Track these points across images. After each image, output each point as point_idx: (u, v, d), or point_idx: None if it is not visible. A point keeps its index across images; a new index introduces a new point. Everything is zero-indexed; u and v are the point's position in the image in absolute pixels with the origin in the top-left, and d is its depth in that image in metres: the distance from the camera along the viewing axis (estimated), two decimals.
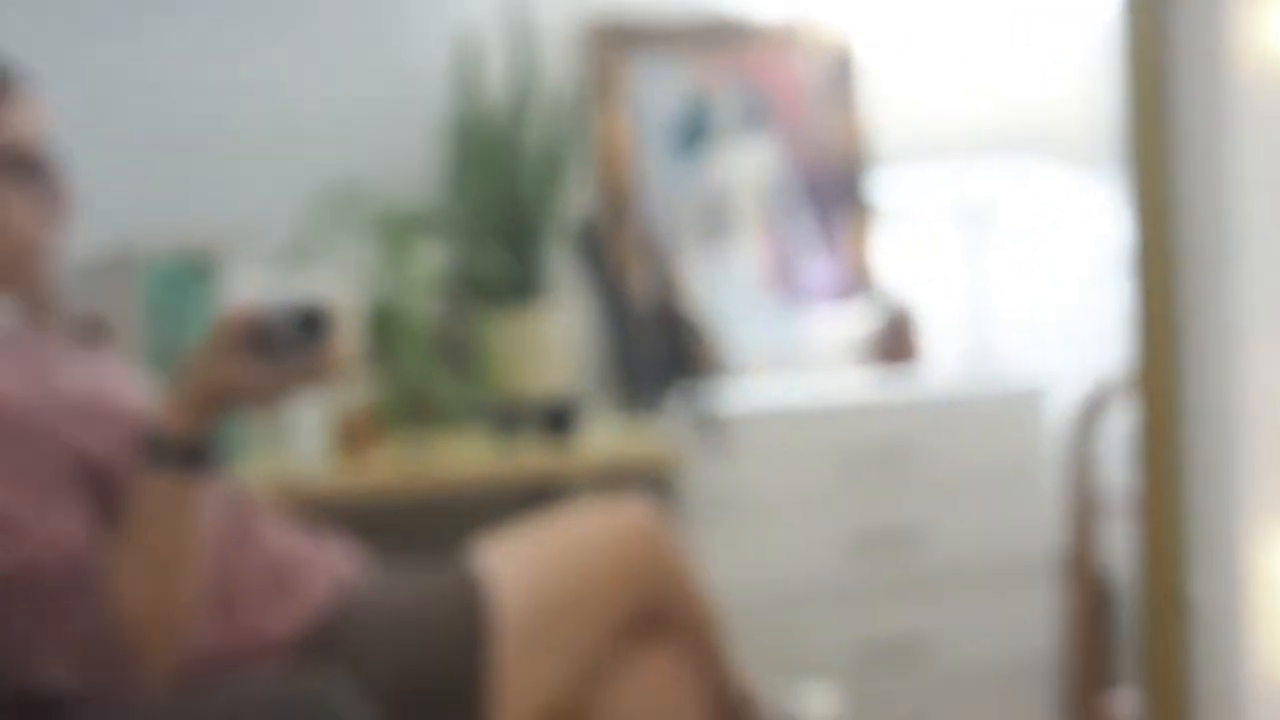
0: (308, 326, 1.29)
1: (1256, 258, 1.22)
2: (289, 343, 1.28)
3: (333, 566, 1.51)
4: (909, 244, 2.62)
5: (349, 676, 1.33)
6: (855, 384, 2.42)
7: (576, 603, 1.56)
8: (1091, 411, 2.41)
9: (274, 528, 1.50)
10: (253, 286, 1.32)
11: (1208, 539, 1.27)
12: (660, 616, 1.65)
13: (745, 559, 2.26)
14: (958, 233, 2.57)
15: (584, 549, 1.61)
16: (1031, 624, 2.41)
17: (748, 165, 2.56)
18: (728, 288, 2.53)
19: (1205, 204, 1.28)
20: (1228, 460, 1.25)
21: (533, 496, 2.29)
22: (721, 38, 2.54)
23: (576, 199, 2.41)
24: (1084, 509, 2.43)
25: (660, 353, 2.35)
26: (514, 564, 1.55)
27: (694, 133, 2.54)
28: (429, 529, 2.27)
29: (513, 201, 2.29)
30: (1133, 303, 1.31)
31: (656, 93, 2.52)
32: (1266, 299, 1.23)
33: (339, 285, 1.32)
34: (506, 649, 1.46)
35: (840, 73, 2.60)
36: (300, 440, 2.11)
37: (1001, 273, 2.58)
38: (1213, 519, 1.27)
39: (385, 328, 2.23)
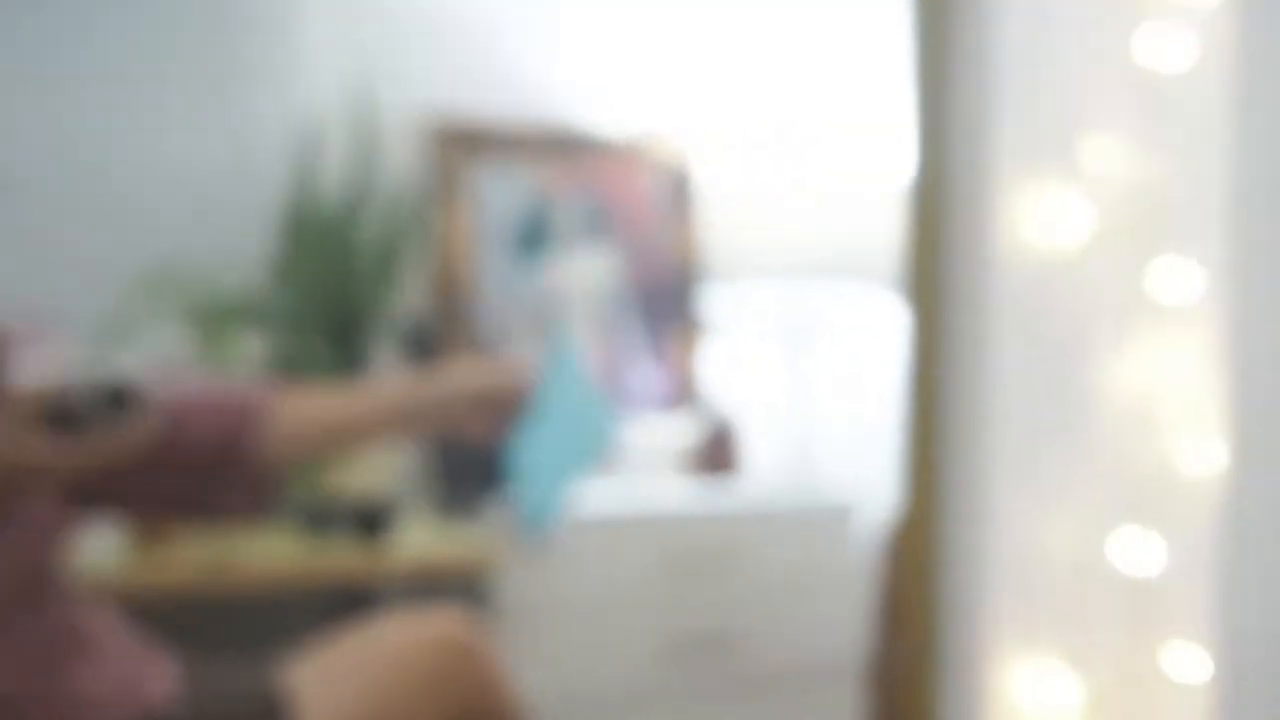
0: (116, 402, 1.25)
1: (1008, 397, 1.31)
2: (92, 418, 1.23)
3: (146, 686, 1.46)
4: (734, 358, 2.68)
5: None
6: (676, 493, 2.45)
7: (385, 716, 1.54)
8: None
9: (106, 635, 1.45)
10: (55, 364, 1.28)
11: (955, 658, 1.34)
12: None
13: (562, 665, 2.26)
14: (781, 350, 2.64)
15: (393, 665, 1.59)
16: None
17: (585, 273, 2.60)
18: None
19: (969, 361, 1.37)
20: (977, 590, 1.33)
21: (344, 598, 2.25)
22: (566, 148, 2.58)
23: (410, 296, 2.40)
24: (888, 621, 2.49)
25: (482, 454, 2.34)
26: (321, 682, 1.52)
27: (534, 237, 2.57)
28: (234, 629, 2.22)
29: (342, 295, 2.27)
30: (903, 442, 1.39)
31: (499, 196, 2.54)
32: (1017, 451, 1.32)
33: (148, 370, 1.29)
34: None
35: (678, 189, 2.66)
36: (91, 531, 2.03)
37: (822, 390, 2.66)
38: (961, 640, 1.34)
39: None
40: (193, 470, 1.43)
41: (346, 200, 2.33)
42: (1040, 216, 1.32)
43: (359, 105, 2.36)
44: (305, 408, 1.50)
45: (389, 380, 1.54)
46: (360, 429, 1.52)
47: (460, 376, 1.53)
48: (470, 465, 2.32)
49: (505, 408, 1.52)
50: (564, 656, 2.27)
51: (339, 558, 2.08)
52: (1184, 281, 1.32)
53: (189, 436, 1.43)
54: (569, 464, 1.50)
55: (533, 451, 1.39)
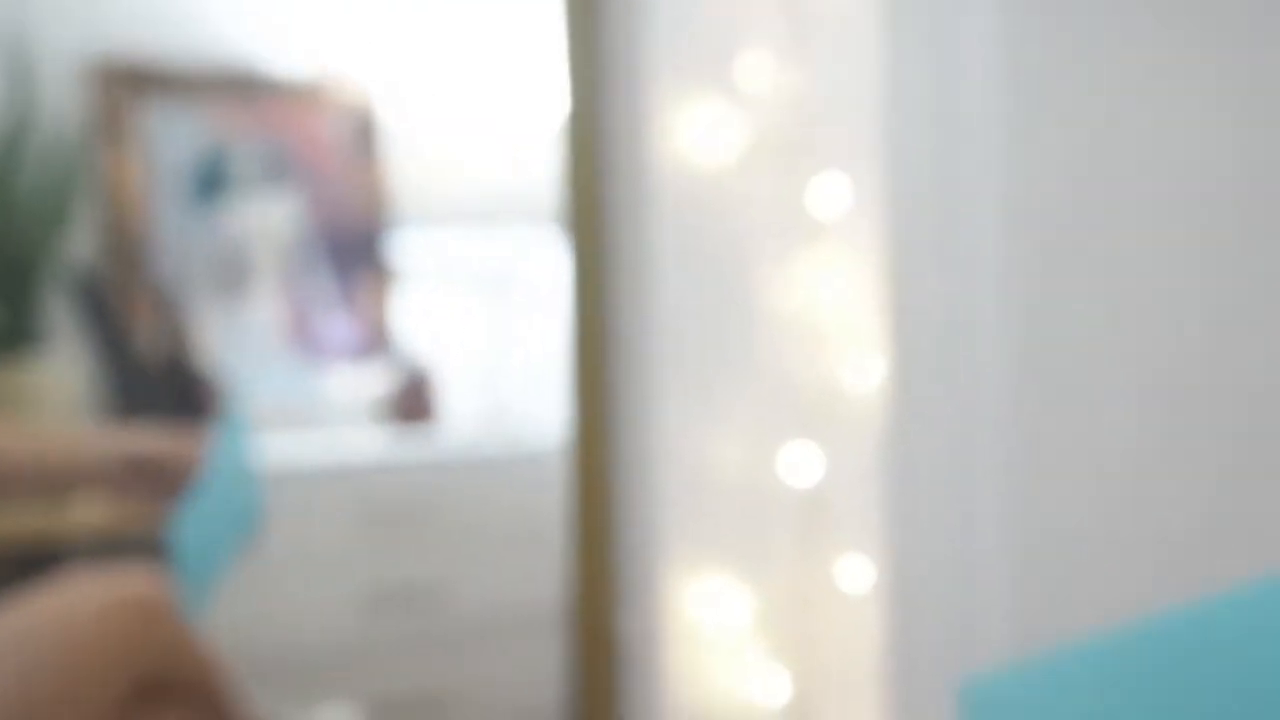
0: None
1: (673, 319, 1.35)
2: None
3: None
4: (428, 305, 2.66)
5: None
6: (372, 443, 2.42)
7: (60, 690, 1.45)
8: None
9: None
10: None
11: (633, 580, 1.37)
12: (165, 687, 1.57)
13: (262, 622, 2.20)
14: (477, 295, 2.63)
15: (68, 629, 1.49)
16: (545, 677, 2.47)
17: (267, 219, 2.52)
18: (243, 343, 2.47)
19: (633, 283, 1.40)
20: (650, 511, 1.36)
21: (20, 562, 2.12)
22: (242, 88, 2.49)
23: (79, 244, 2.27)
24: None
25: (167, 408, 2.25)
26: None
27: (211, 183, 2.47)
28: None
29: (1, 242, 2.13)
30: (570, 369, 1.41)
31: (171, 139, 2.43)
32: (684, 371, 1.36)
33: None
34: None
35: (363, 132, 2.61)
36: None
37: (518, 335, 2.67)
38: (638, 563, 1.38)
39: None
40: None
41: (0, 143, 2.17)
42: (697, 135, 1.33)
43: (11, 43, 2.20)
44: None
45: (56, 430, 1.44)
46: (11, 474, 1.43)
47: (126, 438, 1.47)
48: (157, 418, 2.22)
49: (170, 478, 1.47)
50: (264, 613, 2.21)
51: (12, 519, 1.95)
52: (840, 196, 1.36)
53: None
54: (220, 545, 1.46)
55: (190, 529, 1.33)
